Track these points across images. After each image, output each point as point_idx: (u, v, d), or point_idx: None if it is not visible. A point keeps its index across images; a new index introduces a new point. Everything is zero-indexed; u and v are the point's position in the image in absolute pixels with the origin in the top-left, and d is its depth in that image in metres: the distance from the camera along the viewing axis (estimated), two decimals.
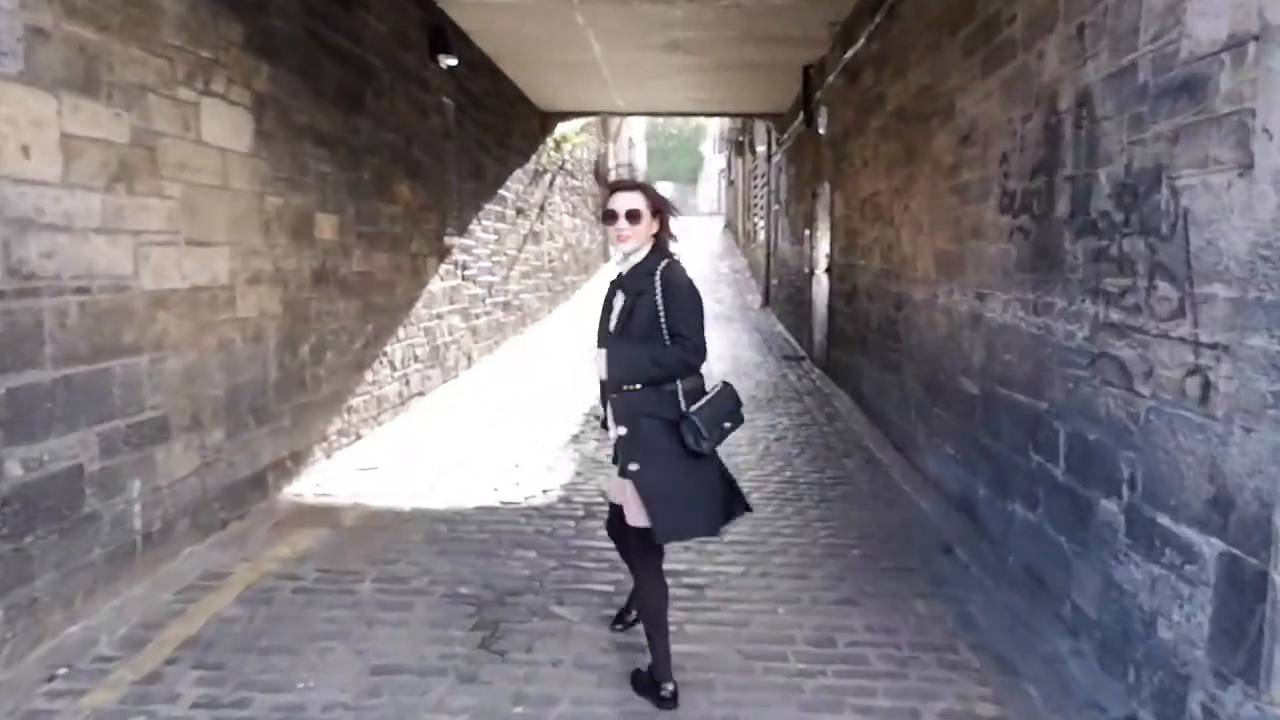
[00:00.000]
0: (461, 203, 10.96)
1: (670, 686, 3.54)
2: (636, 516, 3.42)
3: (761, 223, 21.27)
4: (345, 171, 7.31)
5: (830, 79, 10.54)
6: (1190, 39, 3.18)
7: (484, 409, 9.14)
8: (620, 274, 3.54)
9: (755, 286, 21.90)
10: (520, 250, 14.77)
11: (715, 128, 52.63)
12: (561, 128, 17.91)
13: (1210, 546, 3.03)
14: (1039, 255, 4.47)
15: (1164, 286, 3.33)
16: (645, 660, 3.69)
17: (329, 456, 7.02)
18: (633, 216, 3.44)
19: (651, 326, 3.36)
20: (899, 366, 7.37)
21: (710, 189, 62.55)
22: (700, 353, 3.42)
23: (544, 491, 6.31)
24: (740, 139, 28.03)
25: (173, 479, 4.88)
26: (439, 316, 10.04)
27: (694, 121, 64.16)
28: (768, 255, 19.07)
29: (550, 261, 17.77)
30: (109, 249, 4.35)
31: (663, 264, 3.43)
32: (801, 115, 12.64)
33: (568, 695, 3.65)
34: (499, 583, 4.71)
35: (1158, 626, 3.36)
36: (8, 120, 3.73)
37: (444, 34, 9.57)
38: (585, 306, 18.60)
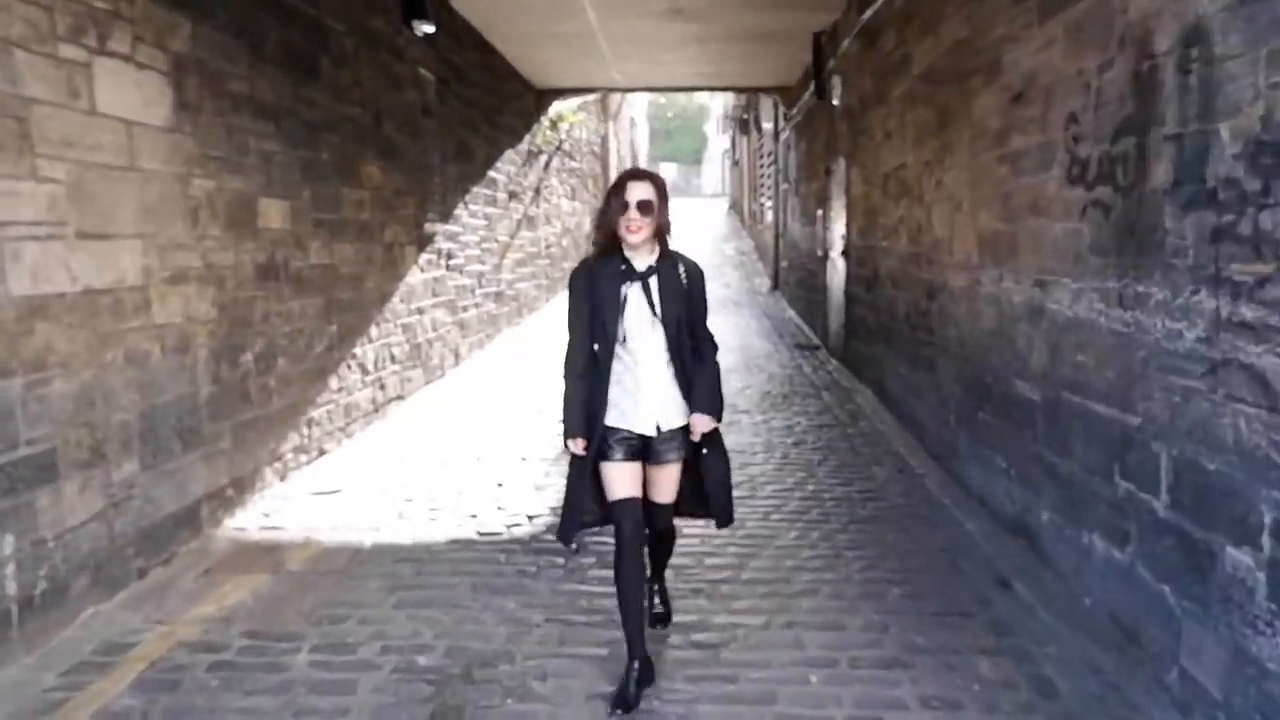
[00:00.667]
0: (445, 186, 10.06)
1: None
2: (673, 493, 3.64)
3: (769, 203, 20.31)
4: (297, 150, 6.41)
5: (844, 45, 9.58)
6: None
7: (470, 414, 8.26)
8: (632, 267, 3.44)
9: (763, 270, 20.97)
10: (514, 236, 13.87)
11: (719, 107, 51.61)
12: (558, 106, 16.96)
13: None
14: (1125, 235, 3.56)
15: None
16: None
17: (283, 479, 6.15)
18: (645, 208, 3.39)
19: (682, 319, 3.45)
20: (932, 363, 6.46)
21: (714, 170, 61.49)
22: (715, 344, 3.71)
23: (530, 519, 5.43)
24: (745, 116, 27.01)
25: (63, 528, 4.00)
26: (420, 311, 9.15)
27: (697, 101, 63.12)
28: (776, 237, 18.13)
29: (548, 248, 16.85)
30: None
31: (683, 257, 3.56)
32: (812, 87, 11.69)
33: None
34: (467, 647, 3.83)
35: None
36: None
37: None
38: None
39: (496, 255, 12.75)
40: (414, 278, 8.97)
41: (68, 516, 4.03)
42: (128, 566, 4.49)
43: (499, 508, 5.62)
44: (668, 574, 4.28)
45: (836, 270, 10.71)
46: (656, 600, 4.05)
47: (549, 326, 14.23)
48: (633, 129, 34.54)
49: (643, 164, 38.88)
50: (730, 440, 7.13)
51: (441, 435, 7.47)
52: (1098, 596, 3.83)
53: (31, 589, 3.80)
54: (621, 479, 3.47)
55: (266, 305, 5.93)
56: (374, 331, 7.88)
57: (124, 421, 4.46)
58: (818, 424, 7.76)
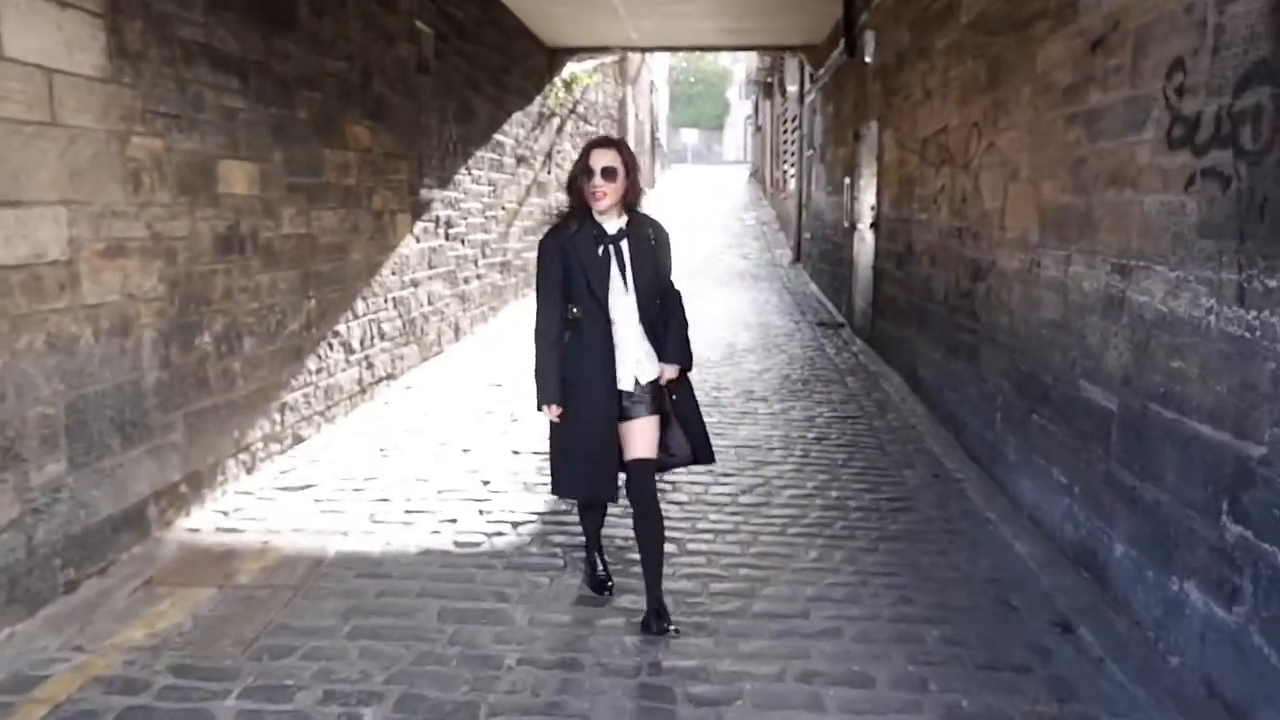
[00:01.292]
0: (444, 150, 9.37)
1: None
2: (652, 447, 3.70)
3: (792, 170, 19.49)
4: (268, 108, 5.74)
5: None
6: None
7: (464, 396, 7.62)
8: (604, 230, 3.60)
9: (785, 241, 20.19)
10: (522, 203, 13.16)
11: (742, 70, 50.50)
12: (572, 67, 16.19)
13: None
14: (1251, 214, 2.85)
15: None
16: None
17: (250, 471, 5.54)
18: (609, 174, 3.53)
19: (651, 279, 3.64)
20: (975, 352, 5.76)
21: (736, 136, 60.40)
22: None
23: (515, 526, 4.80)
24: (769, 79, 26.09)
25: None
26: (414, 284, 8.50)
27: (719, 65, 61.87)
28: (799, 206, 17.34)
29: (559, 214, 16.11)
30: None
31: (650, 219, 3.72)
32: (842, 43, 10.90)
33: None
34: (424, 696, 3.22)
35: None
36: None
37: None
38: None
39: (503, 223, 12.06)
40: (408, 248, 8.31)
41: None
42: (52, 580, 3.89)
43: (482, 511, 4.99)
44: (667, 600, 3.71)
45: (864, 243, 9.98)
46: (652, 603, 3.74)
47: None
48: (653, 93, 33.57)
49: (662, 130, 38.04)
50: (744, 433, 6.53)
51: (431, 421, 6.84)
52: (1191, 659, 3.17)
53: None
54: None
55: (229, 280, 5.29)
56: (360, 306, 7.24)
57: (45, 416, 3.85)
58: (841, 415, 7.08)
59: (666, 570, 4.04)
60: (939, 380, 6.71)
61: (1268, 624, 2.73)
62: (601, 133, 20.52)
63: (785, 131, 21.68)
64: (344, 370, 6.93)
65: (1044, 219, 4.62)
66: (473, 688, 3.28)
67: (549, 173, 15.04)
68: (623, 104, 24.15)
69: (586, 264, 3.55)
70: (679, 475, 5.48)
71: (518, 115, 12.82)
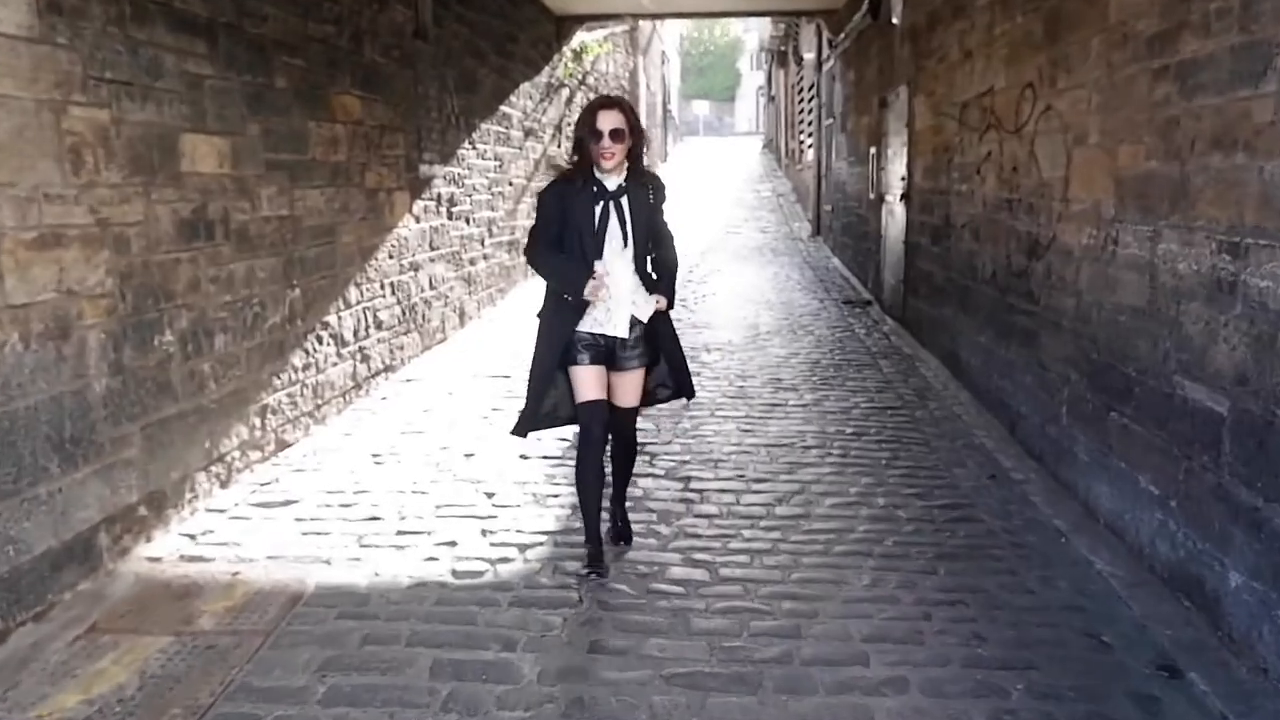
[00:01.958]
0: (445, 122, 8.74)
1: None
2: (638, 396, 3.95)
3: (809, 141, 18.75)
4: (241, 75, 5.14)
5: None
6: None
7: (468, 389, 7.05)
8: (604, 187, 3.71)
9: (802, 213, 19.47)
10: (530, 179, 12.52)
11: (754, 40, 49.52)
12: (581, 36, 15.48)
13: None
14: None
15: None
16: None
17: (225, 484, 4.98)
18: (617, 135, 3.63)
19: (648, 233, 3.81)
20: (1032, 337, 5.14)
21: (748, 106, 59.42)
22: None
23: (523, 550, 4.21)
24: (782, 48, 25.24)
25: None
26: (414, 267, 7.91)
27: (730, 36, 60.81)
28: (818, 178, 16.63)
29: (562, 168, 15.43)
30: None
31: (649, 173, 3.90)
32: (865, 5, 10.19)
33: None
34: None
35: None
36: None
37: None
38: None
39: (510, 200, 11.44)
40: (406, 228, 7.72)
41: None
42: None
43: (485, 531, 4.41)
44: (700, 643, 3.15)
45: (894, 217, 9.32)
46: (618, 522, 4.23)
47: None
48: (664, 64, 32.74)
49: (674, 101, 37.24)
50: (775, 430, 5.93)
51: (431, 419, 6.27)
52: None
53: None
54: (589, 382, 3.80)
55: (196, 269, 4.71)
56: (353, 294, 6.66)
57: None
58: (879, 405, 6.46)
59: (699, 604, 3.63)
60: (986, 365, 6.08)
61: None
62: (610, 94, 19.83)
63: (801, 101, 20.91)
64: (335, 365, 6.36)
65: (1121, 189, 3.98)
66: None
67: (559, 145, 14.37)
68: (634, 75, 23.39)
69: (582, 221, 3.70)
70: (707, 484, 4.93)
71: (525, 86, 12.16)
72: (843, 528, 4.37)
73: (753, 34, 51.50)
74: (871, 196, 10.61)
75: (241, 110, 5.16)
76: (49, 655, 3.37)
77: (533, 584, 3.87)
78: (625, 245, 3.72)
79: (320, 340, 6.14)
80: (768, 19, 26.55)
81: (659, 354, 3.93)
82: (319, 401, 6.11)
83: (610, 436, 3.95)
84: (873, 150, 10.53)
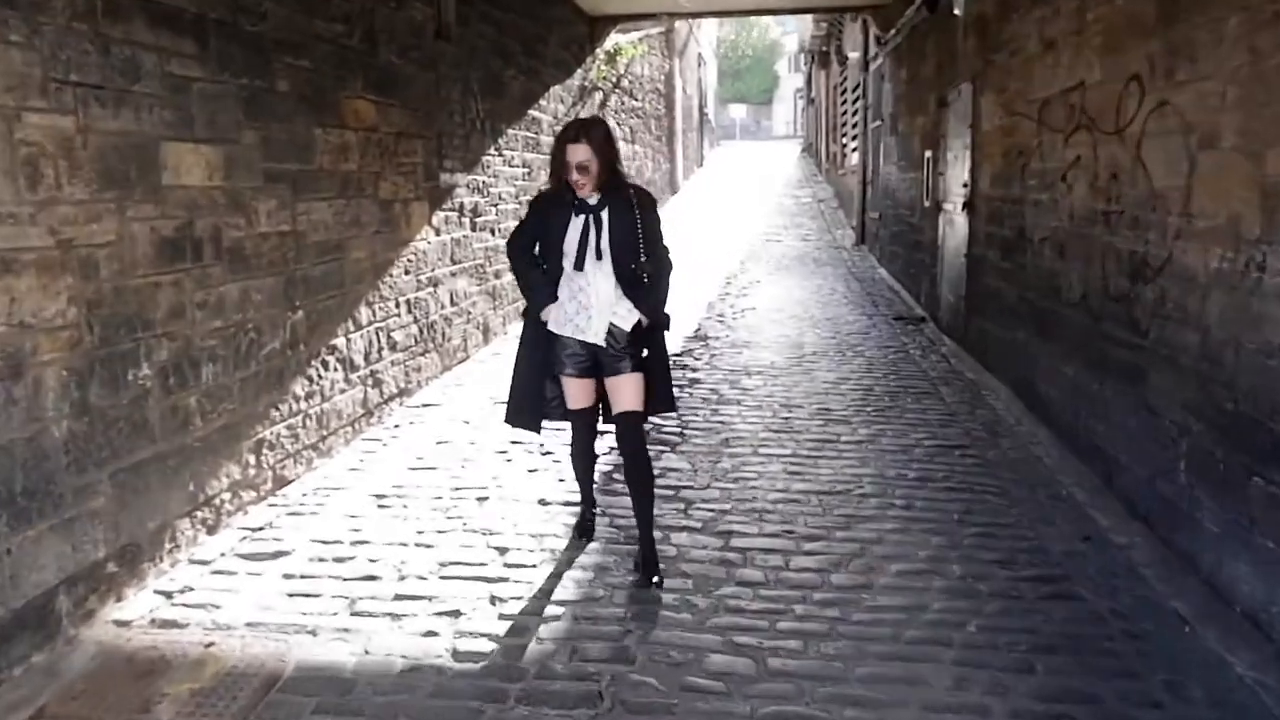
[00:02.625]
0: (469, 128, 8.18)
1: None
2: (638, 400, 3.98)
3: (853, 144, 18.04)
4: (237, 78, 4.60)
5: None
6: None
7: (488, 415, 6.44)
8: (584, 201, 3.88)
9: (845, 220, 18.76)
10: None
11: (793, 42, 48.79)
12: (615, 38, 14.91)
13: None
14: None
15: None
16: None
17: (213, 530, 4.44)
18: (583, 169, 3.81)
19: (632, 241, 3.90)
20: (1139, 375, 4.45)
21: (786, 110, 58.72)
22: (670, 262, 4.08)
23: (537, 625, 3.61)
24: (824, 48, 24.54)
25: None
26: (433, 283, 7.35)
27: (768, 38, 60.07)
28: (863, 183, 15.91)
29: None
30: None
31: (632, 188, 3.99)
32: None
33: None
34: None
35: None
36: None
37: None
38: None
39: None
40: (425, 241, 7.16)
41: None
42: None
43: (495, 599, 3.81)
44: None
45: (953, 227, 8.63)
46: (644, 554, 4.04)
47: None
48: (701, 67, 32.07)
49: (710, 105, 36.61)
50: (827, 473, 5.27)
51: (445, 453, 5.69)
52: None
53: None
54: (577, 392, 4.04)
55: (179, 294, 4.17)
56: (364, 314, 6.10)
57: None
58: (944, 443, 5.79)
59: (742, 708, 3.02)
60: (1073, 402, 5.40)
61: None
62: (649, 107, 19.27)
63: (844, 103, 20.19)
64: (343, 392, 5.80)
65: (1270, 202, 3.31)
66: None
67: None
68: (669, 78, 22.78)
69: (559, 233, 3.91)
70: (751, 541, 4.31)
71: (556, 89, 11.59)
72: (913, 604, 3.72)
73: (792, 35, 50.84)
74: (926, 204, 9.92)
75: (236, 116, 4.62)
76: None
77: (546, 672, 3.27)
78: (600, 258, 3.87)
79: (326, 366, 5.59)
80: (809, 18, 25.91)
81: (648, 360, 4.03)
82: (324, 432, 5.56)
83: (621, 454, 4.13)
84: (928, 154, 9.84)
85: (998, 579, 3.93)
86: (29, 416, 3.34)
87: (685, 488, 5.03)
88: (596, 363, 3.96)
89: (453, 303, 7.83)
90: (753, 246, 15.90)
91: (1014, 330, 6.63)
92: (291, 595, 3.86)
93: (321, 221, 5.50)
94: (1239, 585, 3.50)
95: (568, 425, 4.24)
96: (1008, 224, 6.79)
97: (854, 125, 17.97)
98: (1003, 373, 6.94)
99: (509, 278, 9.57)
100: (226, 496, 4.57)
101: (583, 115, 13.15)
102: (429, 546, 4.32)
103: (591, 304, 3.89)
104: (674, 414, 6.21)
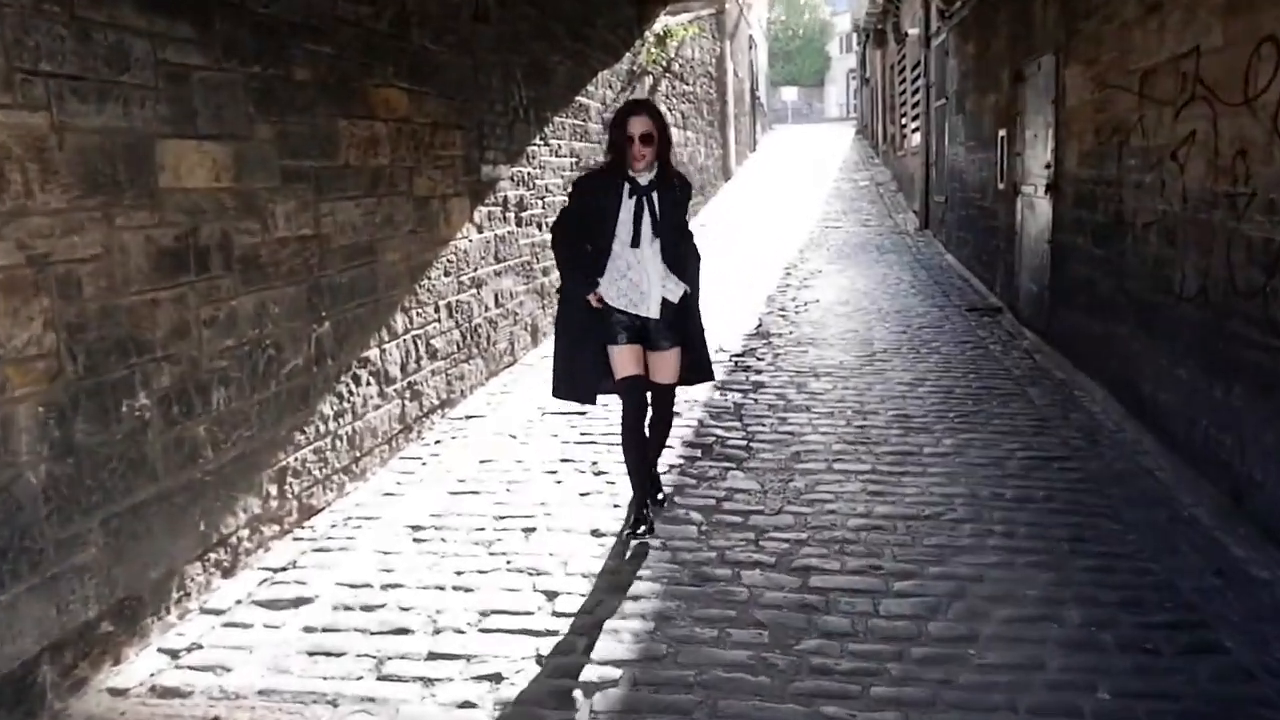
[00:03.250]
0: (512, 116, 7.69)
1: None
2: (675, 374, 4.26)
3: (914, 125, 17.25)
4: (246, 66, 4.15)
5: None
6: None
7: (538, 428, 5.98)
8: (637, 182, 4.07)
9: (906, 204, 18.00)
10: None
11: (846, 22, 47.71)
12: (665, 20, 14.34)
13: None
14: None
15: None
16: None
17: (230, 572, 4.01)
18: (647, 139, 3.99)
19: (674, 225, 4.17)
20: (1277, 380, 3.82)
21: (838, 91, 57.60)
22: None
23: (589, 693, 3.11)
24: (880, 26, 23.69)
25: None
26: (476, 284, 6.89)
27: (819, 18, 58.77)
28: (926, 165, 15.15)
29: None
30: None
31: (678, 172, 4.29)
32: None
33: None
34: None
35: None
36: None
37: None
38: (704, 237, 15.18)
39: None
40: (466, 240, 6.70)
41: None
42: None
43: (540, 657, 3.32)
44: None
45: (1034, 211, 7.94)
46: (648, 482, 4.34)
47: None
48: (752, 49, 31.28)
49: (761, 87, 35.83)
50: (911, 493, 4.65)
51: (488, 474, 5.22)
52: None
53: None
54: (627, 359, 4.16)
55: (182, 311, 3.73)
56: (399, 321, 5.65)
57: None
58: (1039, 454, 5.17)
59: None
60: (1189, 409, 4.76)
61: None
62: (700, 91, 18.65)
63: (903, 82, 19.37)
64: (377, 408, 5.36)
65: None
66: None
67: None
68: (720, 60, 22.09)
69: (611, 213, 4.06)
70: (832, 579, 3.79)
71: (604, 74, 11.06)
72: (1028, 661, 3.16)
73: (843, 16, 49.77)
74: (1000, 186, 9.22)
75: (247, 109, 4.17)
76: None
77: None
78: (654, 235, 4.08)
79: (358, 380, 5.15)
80: None
81: (687, 336, 4.25)
82: (357, 454, 5.12)
83: (650, 408, 4.28)
84: (1002, 133, 9.14)
85: (1124, 626, 3.35)
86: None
87: (755, 513, 4.50)
88: (642, 333, 4.15)
89: (498, 304, 7.37)
90: (811, 233, 15.24)
91: (1111, 325, 5.97)
92: (312, 654, 3.41)
93: (349, 223, 5.04)
94: None
95: (618, 441, 4.30)
96: (1101, 208, 6.13)
97: (914, 105, 17.19)
98: (1097, 371, 6.28)
99: (557, 275, 9.10)
100: (245, 534, 4.14)
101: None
102: (468, 590, 3.84)
103: (645, 280, 4.09)
104: (737, 424, 5.73)
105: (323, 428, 4.78)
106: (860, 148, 29.39)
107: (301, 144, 4.59)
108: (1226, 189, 4.28)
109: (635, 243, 4.05)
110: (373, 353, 5.32)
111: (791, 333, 8.45)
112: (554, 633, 3.48)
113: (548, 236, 8.61)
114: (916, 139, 16.60)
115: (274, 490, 4.36)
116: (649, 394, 4.23)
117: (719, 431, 5.71)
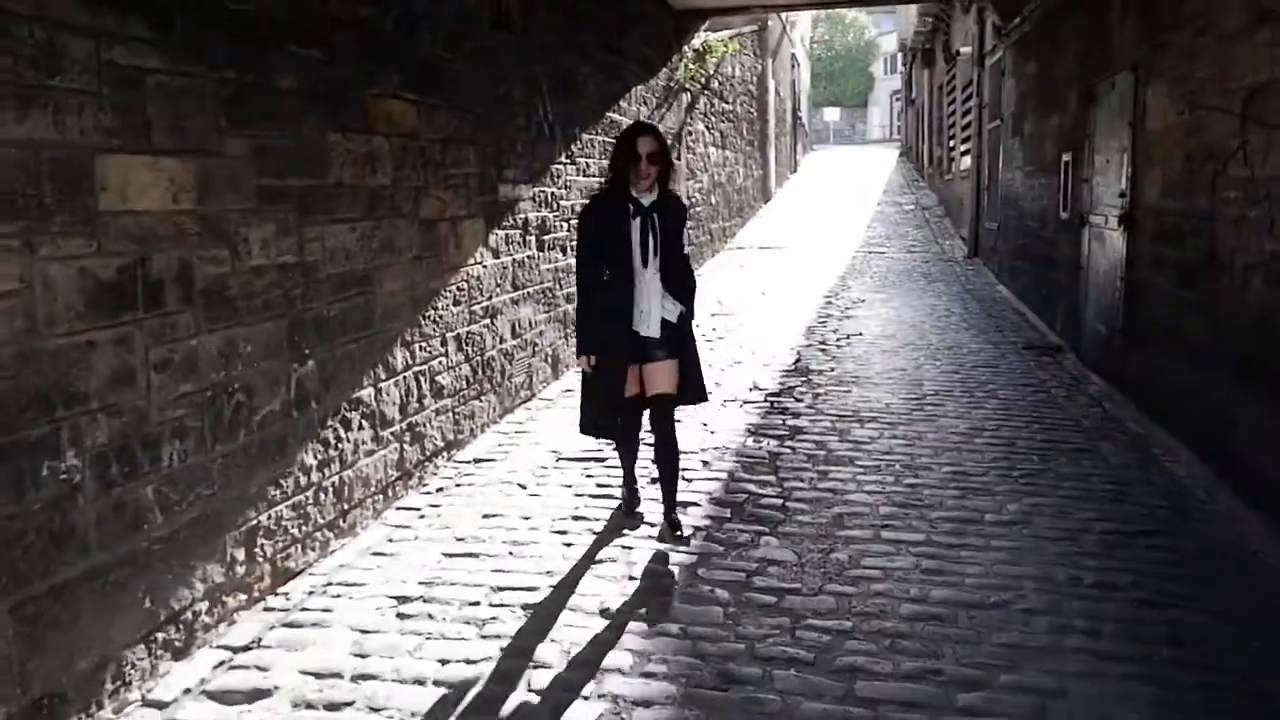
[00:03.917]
0: (534, 133, 7.16)
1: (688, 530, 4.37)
2: (672, 384, 4.38)
3: (964, 148, 16.55)
4: (215, 71, 3.63)
5: None
6: None
7: (550, 477, 5.40)
8: (640, 203, 4.26)
9: (954, 230, 17.28)
10: None
11: (889, 43, 47.05)
12: (705, 35, 13.81)
13: None
14: None
15: None
16: None
17: (184, 652, 3.46)
18: (654, 159, 4.20)
19: (676, 242, 4.37)
20: None
21: (881, 113, 56.85)
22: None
23: None
24: (928, 45, 23.01)
25: None
26: (490, 314, 6.34)
27: (863, 38, 58.09)
28: (977, 190, 14.44)
29: (693, 206, 13.75)
30: None
31: (677, 196, 4.55)
32: None
33: None
34: None
35: None
36: None
37: None
38: (743, 262, 14.62)
39: None
40: (480, 265, 6.16)
41: None
42: None
43: None
44: None
45: (1104, 244, 7.25)
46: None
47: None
48: (795, 69, 30.68)
49: (803, 107, 35.26)
50: (974, 571, 3.88)
51: (489, 533, 4.63)
52: None
53: None
54: (628, 379, 4.34)
55: (126, 354, 3.20)
56: (399, 357, 5.11)
57: None
58: (1120, 527, 4.49)
59: None
60: None
61: None
62: (740, 110, 18.09)
63: (952, 103, 18.68)
64: (370, 454, 4.81)
65: None
66: None
67: (678, 157, 12.69)
68: (762, 79, 21.51)
69: (620, 233, 4.24)
70: (883, 685, 3.17)
71: (639, 90, 10.54)
72: None
73: (889, 36, 49.11)
74: (1064, 215, 8.52)
75: (216, 120, 3.65)
76: None
77: None
78: (655, 255, 4.25)
79: (348, 425, 4.60)
80: (912, 16, 24.46)
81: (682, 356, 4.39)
82: (344, 506, 4.57)
83: (654, 434, 4.45)
84: (1066, 158, 8.45)
85: None
86: None
87: (790, 592, 3.87)
88: (637, 349, 4.31)
89: (514, 334, 6.81)
90: (854, 260, 14.59)
91: (1199, 376, 5.28)
92: None
93: (340, 249, 4.51)
94: None
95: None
96: (1190, 244, 5.45)
97: (964, 127, 16.50)
98: (1180, 427, 5.58)
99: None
100: (203, 607, 3.59)
101: (669, 118, 12.13)
102: (450, 687, 3.25)
103: (645, 299, 4.28)
104: (772, 478, 5.12)
105: (303, 480, 4.23)
106: (904, 170, 28.69)
107: (283, 161, 4.07)
108: None
109: (644, 263, 4.24)
110: (366, 393, 4.78)
111: (833, 370, 7.81)
112: None
113: (572, 261, 8.13)
114: (966, 162, 15.90)
115: (240, 555, 3.81)
116: (647, 414, 4.45)
117: (751, 487, 5.09)
